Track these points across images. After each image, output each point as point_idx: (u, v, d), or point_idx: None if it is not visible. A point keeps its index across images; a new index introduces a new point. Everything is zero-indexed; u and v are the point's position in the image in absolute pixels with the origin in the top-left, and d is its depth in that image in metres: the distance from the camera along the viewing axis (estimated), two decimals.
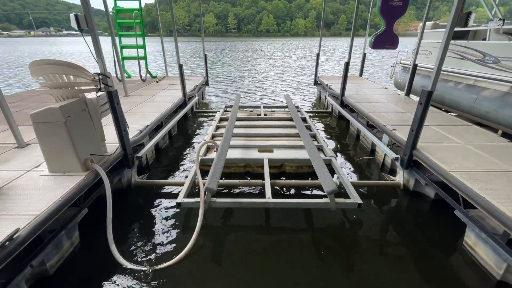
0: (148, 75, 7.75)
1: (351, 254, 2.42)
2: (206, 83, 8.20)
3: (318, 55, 7.81)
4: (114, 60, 5.38)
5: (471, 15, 2.48)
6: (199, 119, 6.36)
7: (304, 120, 5.35)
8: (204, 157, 3.67)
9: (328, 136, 5.30)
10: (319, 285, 2.12)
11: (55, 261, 2.18)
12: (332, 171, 3.46)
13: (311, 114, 6.59)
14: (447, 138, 3.45)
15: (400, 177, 3.37)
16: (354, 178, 3.72)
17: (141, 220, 2.89)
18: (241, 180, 3.40)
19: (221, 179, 3.55)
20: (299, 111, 5.94)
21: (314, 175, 3.63)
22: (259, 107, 6.36)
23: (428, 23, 5.74)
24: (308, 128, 4.92)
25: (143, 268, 2.21)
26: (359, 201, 2.69)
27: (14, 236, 1.74)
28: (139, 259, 2.34)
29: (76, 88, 2.65)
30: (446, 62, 5.28)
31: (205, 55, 7.85)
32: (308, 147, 3.40)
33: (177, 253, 2.32)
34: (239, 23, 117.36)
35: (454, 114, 5.21)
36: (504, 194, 2.22)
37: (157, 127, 4.44)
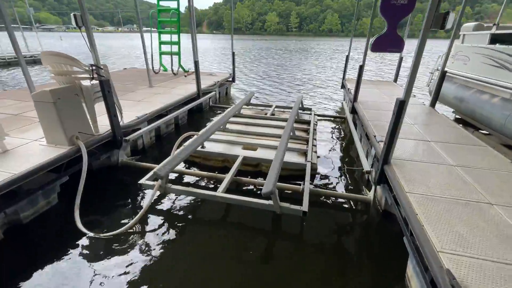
0: (180, 69, 8.45)
1: (289, 266, 2.34)
2: (233, 79, 8.51)
3: (347, 56, 7.38)
4: (151, 54, 6.17)
5: (448, 15, 2.14)
6: (213, 113, 6.70)
7: (307, 123, 5.20)
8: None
9: (331, 142, 5.04)
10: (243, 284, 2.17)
11: (30, 213, 2.70)
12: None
13: (326, 118, 6.29)
14: (440, 157, 2.99)
15: (372, 193, 3.08)
16: (339, 187, 3.53)
17: (117, 194, 3.30)
18: (201, 172, 3.57)
19: (199, 169, 3.81)
20: (309, 114, 5.78)
21: (289, 178, 3.60)
22: (271, 106, 6.38)
23: (470, 24, 4.90)
24: (306, 131, 4.78)
25: (91, 234, 2.57)
26: (305, 209, 2.59)
27: None
28: (94, 226, 2.71)
29: (72, 76, 3.17)
30: (484, 71, 4.49)
31: (233, 53, 8.15)
32: (280, 149, 3.35)
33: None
34: (301, 22, 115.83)
35: (485, 132, 4.42)
36: (450, 228, 1.90)
37: (163, 116, 4.89)
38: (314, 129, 5.06)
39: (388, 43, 3.60)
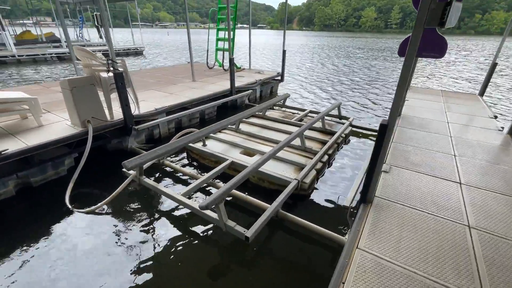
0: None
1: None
2: (281, 79, 8.21)
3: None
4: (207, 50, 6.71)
5: (450, 6, 1.42)
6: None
7: (331, 134, 4.55)
8: (192, 145, 4.00)
9: (357, 161, 4.25)
10: None
11: (39, 179, 3.29)
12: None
13: (366, 132, 5.35)
14: (455, 210, 2.11)
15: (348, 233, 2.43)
16: (325, 218, 2.99)
17: (117, 175, 3.66)
18: (184, 169, 3.59)
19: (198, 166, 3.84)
20: (343, 124, 5.04)
21: (274, 193, 3.21)
22: (304, 110, 5.88)
23: None
24: (323, 143, 4.19)
25: (69, 207, 2.95)
26: (248, 235, 2.27)
27: (3, 153, 2.84)
28: (85, 198, 3.11)
29: (92, 68, 3.65)
30: None
31: (284, 51, 7.82)
32: (264, 158, 3.01)
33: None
34: (404, 18, 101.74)
35: None
36: None
37: (187, 109, 5.15)
38: (337, 143, 4.38)
39: (423, 44, 2.68)
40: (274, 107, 6.28)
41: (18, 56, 13.00)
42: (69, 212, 2.90)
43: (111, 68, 3.58)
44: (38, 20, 19.55)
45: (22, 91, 5.43)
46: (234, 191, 3.12)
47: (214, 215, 2.48)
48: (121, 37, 33.41)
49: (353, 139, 5.04)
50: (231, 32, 8.09)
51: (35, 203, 3.08)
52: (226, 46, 8.51)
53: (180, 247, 2.54)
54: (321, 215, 3.01)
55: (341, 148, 4.60)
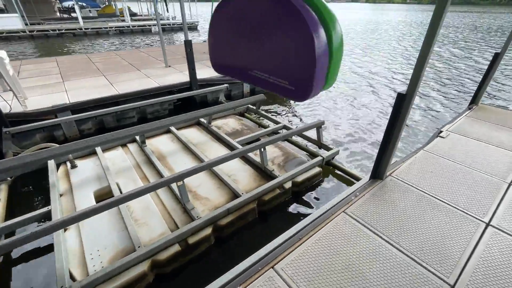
0: None
1: None
2: None
3: (494, 61, 3.22)
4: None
5: None
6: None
7: (270, 177, 2.72)
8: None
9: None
10: None
11: None
12: None
13: (346, 177, 3.13)
14: None
15: None
16: None
17: None
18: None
19: None
20: (312, 159, 3.03)
21: None
22: (278, 123, 3.98)
23: None
24: (236, 196, 2.45)
25: None
26: None
27: None
28: None
29: None
30: None
31: None
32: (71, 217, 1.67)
33: None
34: None
35: None
36: None
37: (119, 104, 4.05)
38: (272, 198, 2.53)
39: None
40: (248, 112, 4.55)
41: (85, 29, 14.33)
42: None
43: None
44: None
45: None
46: None
47: None
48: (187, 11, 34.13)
49: (325, 189, 3.00)
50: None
51: None
52: None
53: None
54: None
55: (289, 203, 2.74)
